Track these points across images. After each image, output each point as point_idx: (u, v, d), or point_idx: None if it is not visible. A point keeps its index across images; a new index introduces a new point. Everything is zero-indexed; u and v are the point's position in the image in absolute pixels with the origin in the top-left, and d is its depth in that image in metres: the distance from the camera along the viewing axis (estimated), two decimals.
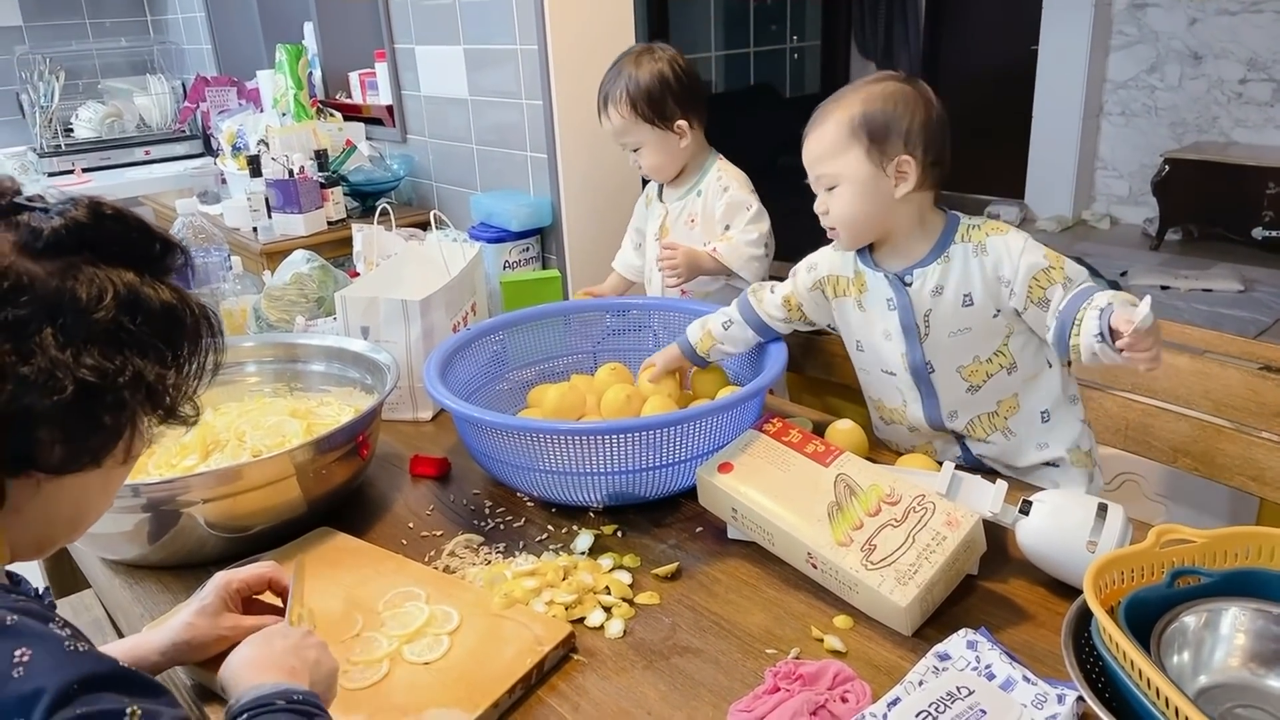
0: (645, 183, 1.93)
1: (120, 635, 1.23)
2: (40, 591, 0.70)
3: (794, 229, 1.73)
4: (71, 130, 3.76)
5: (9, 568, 0.69)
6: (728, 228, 1.72)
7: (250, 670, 0.79)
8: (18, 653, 0.59)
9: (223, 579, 0.95)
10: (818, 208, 1.27)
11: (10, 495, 0.67)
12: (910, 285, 1.26)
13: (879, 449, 1.36)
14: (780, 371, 1.29)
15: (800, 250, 1.47)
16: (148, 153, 3.74)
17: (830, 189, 1.24)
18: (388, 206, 1.85)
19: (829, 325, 1.40)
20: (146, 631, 0.96)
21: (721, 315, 1.43)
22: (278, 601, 0.99)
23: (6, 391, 0.62)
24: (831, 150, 1.22)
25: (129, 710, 0.61)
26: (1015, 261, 1.21)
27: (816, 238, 1.36)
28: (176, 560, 1.15)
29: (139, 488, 1.07)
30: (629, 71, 1.70)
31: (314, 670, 0.82)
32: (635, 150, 1.76)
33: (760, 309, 1.40)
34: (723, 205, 1.72)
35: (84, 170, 3.55)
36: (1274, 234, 4.42)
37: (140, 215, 0.73)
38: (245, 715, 0.72)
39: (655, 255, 1.78)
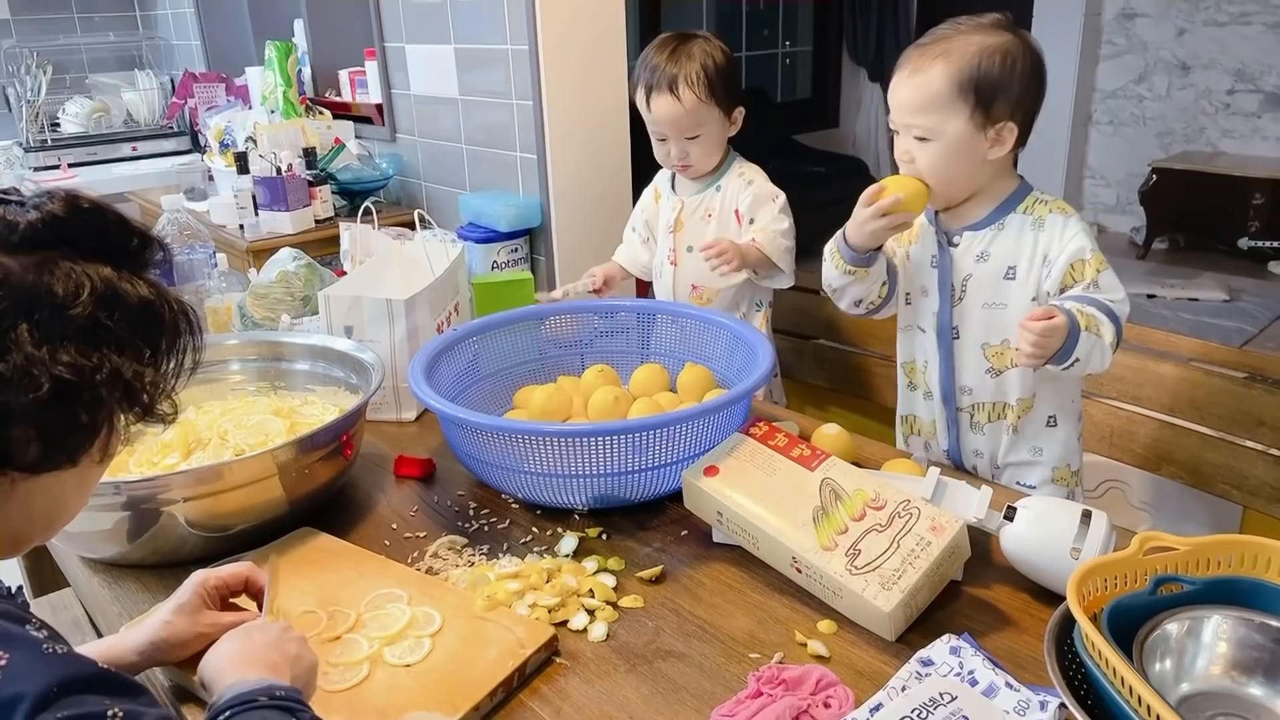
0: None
1: (99, 635, 1.22)
2: (13, 590, 0.69)
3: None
4: (58, 125, 3.73)
5: None
6: (753, 220, 1.66)
7: (231, 665, 0.78)
8: None
9: (199, 577, 0.94)
10: (900, 155, 1.22)
11: None
12: (956, 246, 1.25)
13: (865, 454, 1.36)
14: (767, 374, 1.28)
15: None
16: (135, 148, 3.71)
17: (921, 139, 1.20)
18: (370, 206, 1.84)
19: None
20: (124, 631, 0.95)
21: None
22: (253, 606, 0.98)
23: None
24: (933, 104, 1.17)
25: (110, 712, 0.60)
26: (1063, 244, 1.19)
27: (813, 240, 1.35)
28: (156, 559, 1.14)
29: (119, 485, 1.06)
30: (699, 51, 1.59)
31: (295, 665, 0.81)
32: (692, 138, 1.63)
33: None
34: (749, 198, 1.66)
35: (70, 165, 3.52)
36: (1260, 244, 4.45)
37: (118, 209, 0.72)
38: (229, 712, 0.71)
39: (669, 249, 1.75)
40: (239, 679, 0.75)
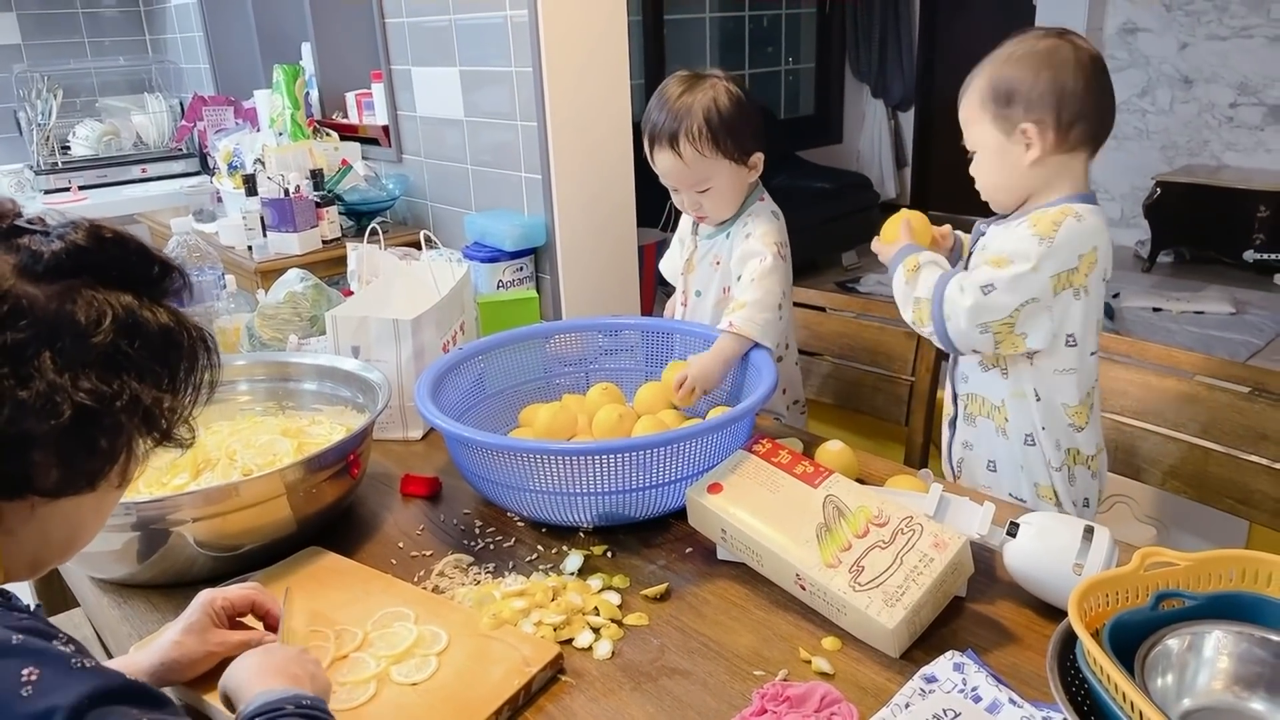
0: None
1: (108, 654, 1.23)
2: (33, 608, 0.71)
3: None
4: (69, 148, 3.78)
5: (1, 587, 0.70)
6: (739, 278, 1.52)
7: (257, 676, 0.81)
8: (25, 672, 0.59)
9: (206, 597, 0.95)
10: (972, 170, 1.31)
11: (5, 518, 0.67)
12: (983, 235, 1.32)
13: (869, 470, 1.36)
14: (769, 392, 1.29)
15: (799, 273, 1.48)
16: (144, 171, 3.75)
17: (972, 156, 1.28)
18: (377, 226, 1.85)
19: None
20: (133, 652, 0.96)
21: None
22: (259, 625, 0.99)
23: (4, 415, 0.63)
24: (968, 120, 1.26)
25: None
26: (994, 248, 1.23)
27: (819, 255, 1.38)
28: (165, 579, 1.15)
29: (129, 506, 1.07)
30: (702, 99, 1.46)
31: (313, 682, 0.84)
32: (702, 191, 1.52)
33: None
34: (739, 251, 1.53)
35: (81, 188, 3.55)
36: (1265, 256, 4.45)
37: (139, 238, 0.74)
38: (258, 719, 0.73)
39: (681, 289, 1.70)
40: (266, 688, 0.78)
